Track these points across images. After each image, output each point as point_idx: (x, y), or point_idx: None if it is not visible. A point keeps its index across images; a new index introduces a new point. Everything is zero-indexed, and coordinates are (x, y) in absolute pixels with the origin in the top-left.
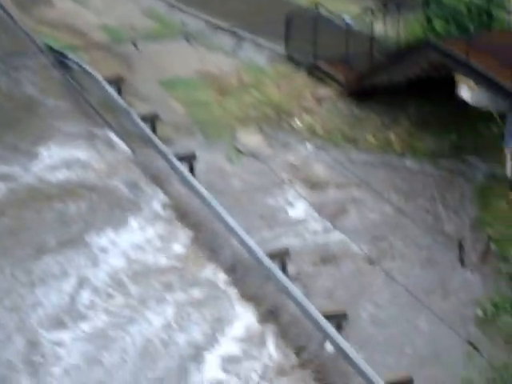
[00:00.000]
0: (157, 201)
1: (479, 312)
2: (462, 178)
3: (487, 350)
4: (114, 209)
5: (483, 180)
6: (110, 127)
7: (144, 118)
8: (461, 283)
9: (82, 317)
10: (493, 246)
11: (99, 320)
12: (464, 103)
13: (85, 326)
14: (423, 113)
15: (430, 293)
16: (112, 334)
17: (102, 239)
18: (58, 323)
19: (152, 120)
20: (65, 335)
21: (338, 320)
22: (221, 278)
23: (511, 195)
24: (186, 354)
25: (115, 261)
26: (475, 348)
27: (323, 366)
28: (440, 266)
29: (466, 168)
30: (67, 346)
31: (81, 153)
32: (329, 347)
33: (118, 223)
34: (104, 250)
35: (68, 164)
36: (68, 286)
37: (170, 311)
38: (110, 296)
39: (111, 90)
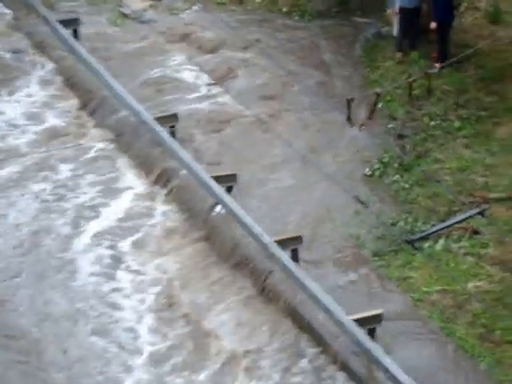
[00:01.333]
0: (41, 68)
1: (367, 170)
2: (350, 37)
3: (376, 208)
4: None
5: (371, 40)
6: None
7: None
8: (349, 142)
9: None
10: (380, 105)
11: None
12: None
13: None
14: None
15: (319, 153)
16: None
17: None
18: None
19: None
20: None
21: (228, 182)
22: (109, 144)
23: (398, 55)
24: (76, 217)
25: None
26: (363, 203)
27: (213, 227)
28: (328, 126)
29: (353, 28)
30: None
31: None
32: (219, 209)
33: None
34: None
35: None
36: None
37: (57, 177)
38: None
39: None
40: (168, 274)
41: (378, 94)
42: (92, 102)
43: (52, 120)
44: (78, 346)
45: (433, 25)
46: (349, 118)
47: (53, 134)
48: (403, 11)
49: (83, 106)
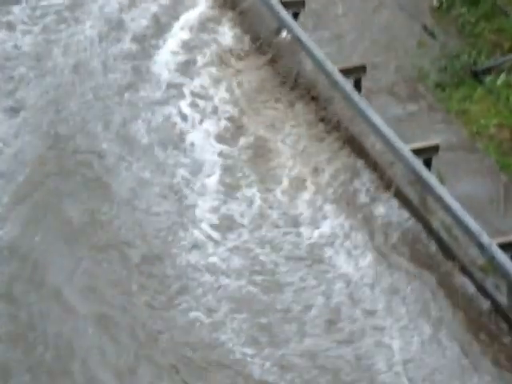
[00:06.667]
0: None
1: (435, 2)
2: None
3: (440, 40)
4: None
5: None
6: None
7: None
8: None
9: None
10: None
11: None
12: None
13: None
14: None
15: None
16: None
17: None
18: None
19: None
20: None
21: (295, 11)
22: None
23: None
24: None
25: None
26: (431, 33)
27: (278, 52)
28: None
29: None
30: None
31: None
32: (285, 34)
33: None
34: None
35: None
36: None
37: None
38: None
39: None
40: (232, 96)
41: None
42: None
43: None
44: None
45: None
46: None
47: None
48: None
49: None
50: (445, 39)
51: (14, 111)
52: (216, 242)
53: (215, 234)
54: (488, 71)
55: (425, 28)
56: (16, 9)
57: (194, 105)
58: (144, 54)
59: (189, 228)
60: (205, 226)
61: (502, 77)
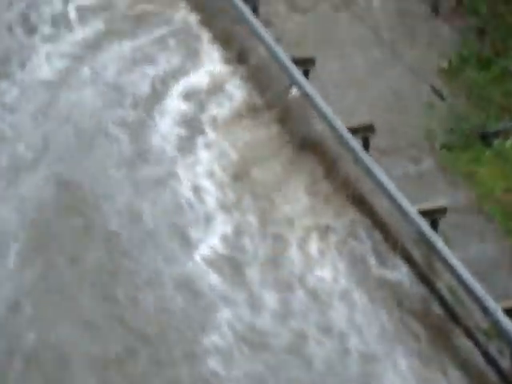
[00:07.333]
0: None
1: (445, 64)
2: None
3: (449, 102)
4: None
5: None
6: None
7: None
8: (430, 34)
9: None
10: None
11: None
12: None
13: None
14: None
15: (398, 41)
16: None
17: None
18: None
19: None
20: None
21: (306, 65)
22: (191, 17)
23: None
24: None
25: None
26: (441, 95)
27: (287, 109)
28: (411, 16)
29: None
30: None
31: None
32: (294, 92)
33: None
34: None
35: None
36: None
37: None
38: None
39: None
40: (238, 150)
41: None
42: None
43: None
44: None
45: None
46: (434, 8)
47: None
48: None
49: None
50: (453, 101)
51: (18, 196)
52: (242, 353)
53: (240, 345)
54: (496, 135)
55: (433, 89)
56: (5, 86)
57: (196, 183)
58: (144, 124)
59: (207, 331)
60: (226, 331)
61: (510, 141)
